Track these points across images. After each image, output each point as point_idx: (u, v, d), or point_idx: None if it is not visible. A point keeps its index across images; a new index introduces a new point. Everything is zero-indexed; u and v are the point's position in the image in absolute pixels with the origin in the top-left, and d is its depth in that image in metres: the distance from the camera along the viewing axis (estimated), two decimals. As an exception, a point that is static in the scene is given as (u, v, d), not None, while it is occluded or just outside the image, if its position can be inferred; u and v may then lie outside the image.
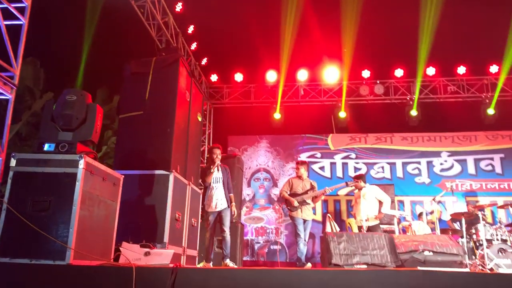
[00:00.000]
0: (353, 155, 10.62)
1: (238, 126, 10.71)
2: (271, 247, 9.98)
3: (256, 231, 10.21)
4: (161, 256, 3.87)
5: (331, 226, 8.49)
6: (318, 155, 10.75)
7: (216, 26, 8.77)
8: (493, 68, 9.66)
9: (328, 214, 9.28)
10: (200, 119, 6.02)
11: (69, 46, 10.17)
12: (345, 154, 10.67)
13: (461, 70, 9.79)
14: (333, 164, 10.64)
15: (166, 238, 4.36)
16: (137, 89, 5.04)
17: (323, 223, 9.82)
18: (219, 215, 5.57)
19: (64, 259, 2.99)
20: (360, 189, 7.21)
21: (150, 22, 7.91)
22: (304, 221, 6.55)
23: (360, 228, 6.96)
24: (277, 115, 10.43)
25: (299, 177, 6.81)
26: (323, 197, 7.35)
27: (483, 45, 8.82)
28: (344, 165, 10.59)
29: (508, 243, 7.00)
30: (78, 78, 9.18)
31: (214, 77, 10.55)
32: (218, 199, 5.58)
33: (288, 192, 6.66)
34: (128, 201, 4.24)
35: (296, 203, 6.52)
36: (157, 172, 4.65)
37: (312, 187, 6.74)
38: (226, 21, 8.54)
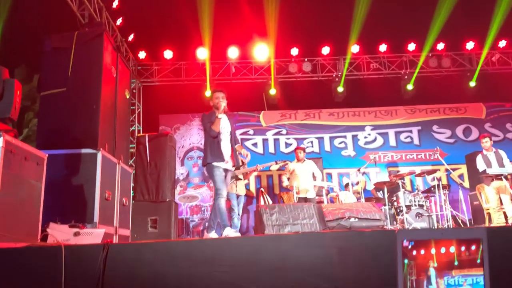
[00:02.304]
0: (284, 131, 10.91)
1: (169, 105, 10.50)
2: (206, 224, 10.06)
3: (191, 210, 10.22)
4: (92, 236, 3.79)
5: (264, 200, 8.74)
6: (251, 132, 10.91)
7: (142, 1, 8.47)
8: (411, 46, 10.28)
9: (261, 189, 9.53)
10: (128, 96, 5.86)
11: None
12: (276, 130, 10.93)
13: (383, 48, 10.32)
14: (265, 141, 10.86)
15: (96, 218, 4.27)
16: (58, 65, 4.80)
17: (257, 197, 10.07)
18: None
19: (-15, 242, 2.85)
20: (303, 161, 7.65)
21: (70, -5, 7.44)
22: (238, 196, 6.76)
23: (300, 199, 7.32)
24: (208, 93, 10.38)
25: None
26: (255, 173, 7.59)
27: (402, 24, 9.33)
28: (276, 141, 10.86)
29: (424, 208, 7.66)
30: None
31: (142, 54, 10.22)
32: (226, 155, 4.76)
33: None
34: (55, 181, 4.08)
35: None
36: (84, 151, 4.49)
37: (243, 163, 6.96)
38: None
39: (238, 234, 4.56)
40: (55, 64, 4.83)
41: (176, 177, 9.29)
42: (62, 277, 2.55)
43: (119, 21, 8.87)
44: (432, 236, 1.05)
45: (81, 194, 4.35)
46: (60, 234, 3.39)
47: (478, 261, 1.05)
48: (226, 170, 4.76)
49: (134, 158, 8.74)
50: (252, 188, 10.40)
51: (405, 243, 1.04)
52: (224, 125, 4.84)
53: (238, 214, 6.86)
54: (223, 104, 4.78)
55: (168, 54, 10.21)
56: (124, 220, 5.32)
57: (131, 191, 5.90)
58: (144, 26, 9.23)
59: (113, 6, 8.43)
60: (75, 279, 2.61)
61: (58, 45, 4.84)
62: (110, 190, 4.78)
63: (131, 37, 9.49)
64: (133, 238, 5.94)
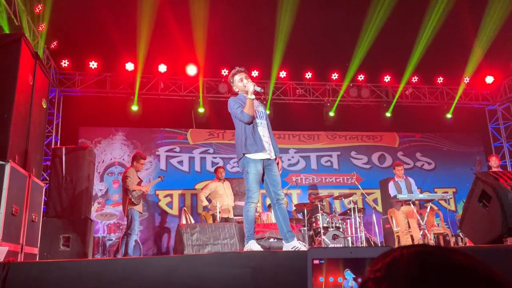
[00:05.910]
0: (211, 150, 10.90)
1: (91, 117, 10.06)
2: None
3: (108, 228, 9.76)
4: (-8, 254, 3.50)
5: (187, 219, 8.62)
6: (177, 149, 10.75)
7: (68, 9, 8.15)
8: (334, 76, 10.88)
9: (184, 208, 9.39)
10: (45, 105, 5.55)
11: None
12: (203, 149, 10.87)
13: (308, 75, 10.81)
14: (191, 159, 10.76)
15: (-1, 235, 3.94)
16: (-34, 68, 4.44)
17: (179, 216, 9.89)
18: (266, 167, 3.98)
19: None
20: (223, 181, 7.84)
21: (-13, -6, 6.98)
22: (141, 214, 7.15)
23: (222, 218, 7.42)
24: (134, 107, 10.14)
25: (137, 171, 7.21)
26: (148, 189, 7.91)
27: (327, 54, 9.87)
28: (202, 160, 10.80)
29: (341, 229, 8.01)
30: None
31: (65, 63, 9.77)
32: (265, 142, 4.02)
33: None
34: (-48, 194, 3.73)
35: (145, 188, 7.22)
36: (-9, 162, 4.16)
37: (141, 181, 7.34)
38: (79, 5, 8.02)
39: (261, 249, 3.98)
40: (-37, 67, 4.46)
41: (94, 193, 8.89)
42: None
43: (41, 27, 8.44)
44: (342, 255, 1.10)
45: (-17, 208, 4.01)
46: (-46, 252, 3.09)
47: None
48: (265, 162, 3.98)
49: (49, 171, 8.24)
50: (176, 207, 10.22)
51: (316, 262, 1.08)
52: (257, 107, 4.17)
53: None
54: (252, 83, 4.04)
55: (93, 64, 9.86)
56: (32, 238, 4.96)
57: (43, 207, 5.54)
58: (69, 34, 8.86)
59: (36, 10, 8.01)
60: (-33, 302, 2.39)
61: (-33, 46, 4.49)
62: (18, 204, 4.45)
63: (54, 44, 9.05)
64: (42, 257, 5.55)
